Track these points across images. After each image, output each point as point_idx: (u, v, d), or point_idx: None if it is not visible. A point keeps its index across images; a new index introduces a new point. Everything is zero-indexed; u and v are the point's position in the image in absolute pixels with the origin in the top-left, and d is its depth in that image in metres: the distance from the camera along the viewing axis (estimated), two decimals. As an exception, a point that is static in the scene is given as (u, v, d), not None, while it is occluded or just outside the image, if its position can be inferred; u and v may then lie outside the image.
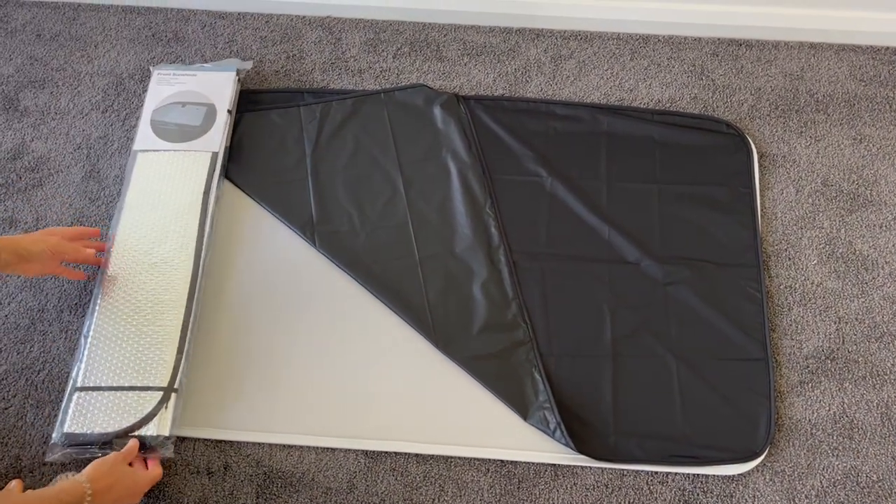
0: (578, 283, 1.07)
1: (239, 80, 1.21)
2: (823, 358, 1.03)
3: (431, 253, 1.09)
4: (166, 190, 1.09)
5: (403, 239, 1.10)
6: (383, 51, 1.28)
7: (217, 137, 1.14)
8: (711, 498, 0.94)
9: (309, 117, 1.20)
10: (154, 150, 1.13)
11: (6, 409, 0.98)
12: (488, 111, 1.21)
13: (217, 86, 1.19)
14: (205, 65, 1.23)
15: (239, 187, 1.14)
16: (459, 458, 0.96)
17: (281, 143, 1.18)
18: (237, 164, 1.16)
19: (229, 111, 1.17)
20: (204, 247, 1.06)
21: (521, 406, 0.98)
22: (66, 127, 1.20)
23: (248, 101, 1.22)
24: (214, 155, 1.12)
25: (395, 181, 1.15)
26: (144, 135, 1.14)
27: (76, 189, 1.14)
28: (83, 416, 0.92)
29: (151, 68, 1.22)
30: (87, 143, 1.18)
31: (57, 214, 1.12)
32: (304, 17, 1.31)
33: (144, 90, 1.22)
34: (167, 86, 1.19)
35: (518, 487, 0.95)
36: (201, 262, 1.05)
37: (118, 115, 1.21)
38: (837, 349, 1.03)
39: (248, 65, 1.23)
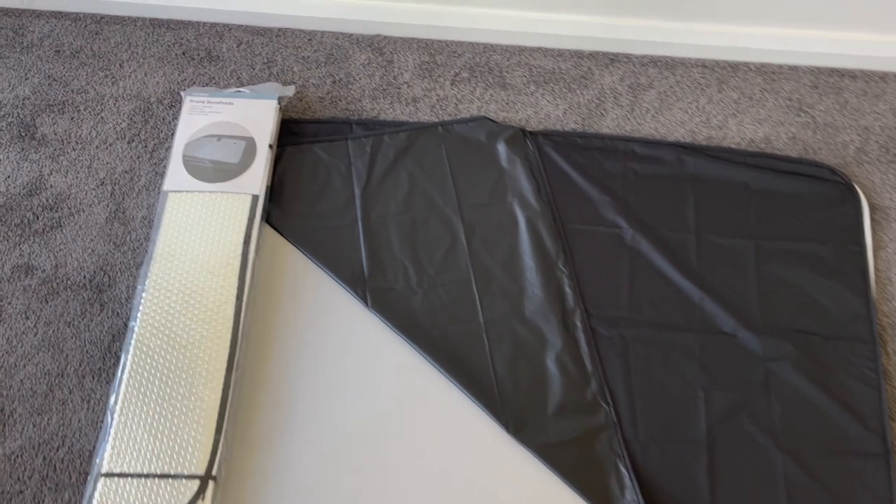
0: (666, 356, 0.96)
1: (280, 108, 1.09)
2: (952, 454, 0.91)
3: (498, 315, 0.98)
4: (201, 238, 0.98)
5: (466, 298, 0.99)
6: (440, 76, 1.16)
7: (258, 177, 1.03)
8: None
9: (358, 152, 1.09)
10: (187, 191, 1.02)
11: (21, 492, 0.88)
12: (559, 149, 1.10)
13: (256, 116, 1.08)
14: (242, 90, 1.11)
15: (280, 233, 1.03)
16: (535, 564, 0.86)
17: (327, 181, 1.07)
18: (278, 207, 1.05)
19: (270, 146, 1.05)
20: (244, 306, 0.95)
21: (605, 503, 0.87)
22: (88, 159, 1.09)
23: (290, 133, 1.11)
24: (255, 198, 1.01)
25: (454, 228, 1.03)
26: (176, 173, 1.03)
27: (99, 232, 1.03)
28: (109, 509, 0.82)
29: (182, 93, 1.10)
30: (112, 177, 1.07)
31: (78, 261, 1.01)
32: (350, 35, 1.19)
33: (174, 117, 1.11)
34: (201, 115, 1.08)
35: None
36: (241, 324, 0.94)
37: (146, 145, 1.10)
38: (967, 443, 0.92)
39: (291, 91, 1.11)
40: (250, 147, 1.05)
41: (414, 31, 1.20)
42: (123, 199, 1.06)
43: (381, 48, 1.19)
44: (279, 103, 1.09)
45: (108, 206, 1.05)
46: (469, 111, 1.13)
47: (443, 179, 1.07)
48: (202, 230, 0.99)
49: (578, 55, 1.18)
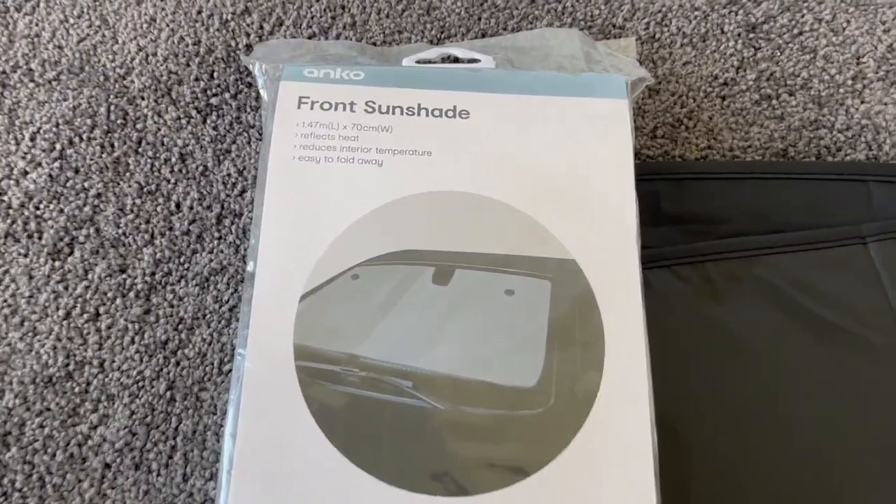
0: None
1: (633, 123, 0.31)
2: None
3: None
4: None
5: None
6: None
7: (646, 482, 0.25)
8: None
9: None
10: None
11: None
12: None
13: (570, 164, 0.29)
14: (480, 62, 0.32)
15: None
16: None
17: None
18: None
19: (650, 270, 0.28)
20: None
21: None
22: None
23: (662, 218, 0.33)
24: None
25: None
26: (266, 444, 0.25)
27: None
28: None
29: (252, 64, 0.32)
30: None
31: None
32: None
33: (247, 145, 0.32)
34: (350, 147, 0.29)
35: None
36: None
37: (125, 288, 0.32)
38: None
39: (632, 61, 0.33)
40: (574, 304, 0.27)
41: None
42: None
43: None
44: (631, 100, 0.31)
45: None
46: None
47: None
48: None
49: None
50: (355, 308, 0.27)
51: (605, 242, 0.28)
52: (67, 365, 0.30)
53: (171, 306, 0.31)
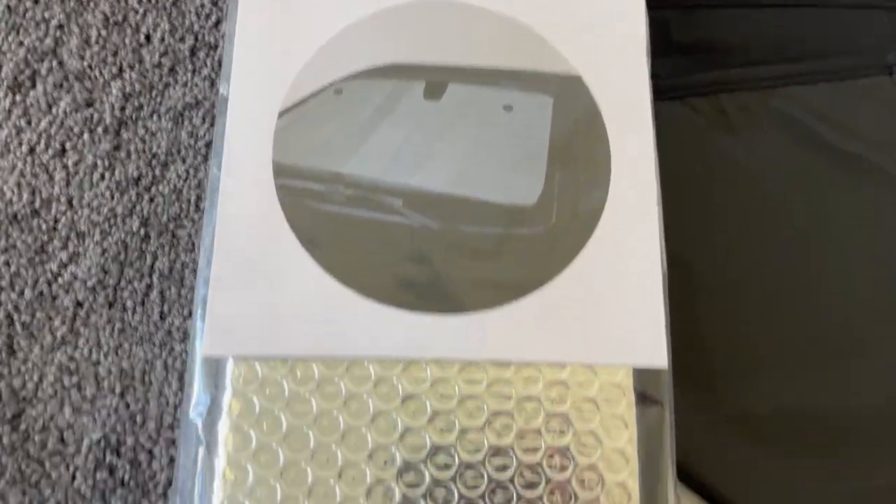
0: None
1: None
2: None
3: None
4: None
5: None
6: None
7: (653, 290, 0.24)
8: None
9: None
10: (309, 359, 0.23)
11: None
12: None
13: None
14: None
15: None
16: None
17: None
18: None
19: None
20: None
21: None
22: None
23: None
24: (647, 376, 0.23)
25: None
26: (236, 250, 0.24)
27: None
28: None
29: None
30: None
31: None
32: None
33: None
34: None
35: None
36: None
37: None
38: None
39: None
40: (578, 121, 0.25)
41: None
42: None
43: None
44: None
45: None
46: None
47: None
48: None
49: None
50: (340, 125, 0.24)
51: (612, 56, 0.25)
52: (33, 202, 0.28)
53: (143, 142, 0.29)
